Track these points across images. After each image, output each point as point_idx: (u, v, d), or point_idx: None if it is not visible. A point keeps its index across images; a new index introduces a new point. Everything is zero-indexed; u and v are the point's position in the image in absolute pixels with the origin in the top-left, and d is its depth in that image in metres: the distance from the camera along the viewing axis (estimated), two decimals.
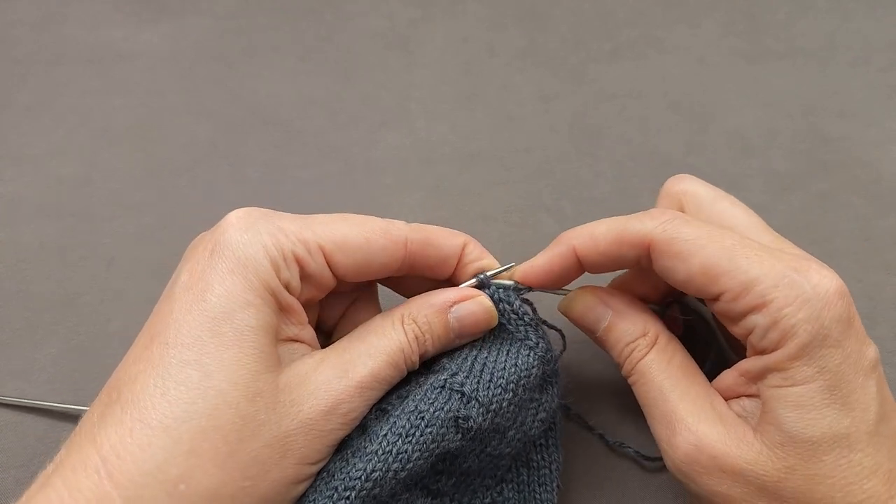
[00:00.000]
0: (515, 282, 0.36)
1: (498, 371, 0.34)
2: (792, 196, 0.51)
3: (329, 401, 0.31)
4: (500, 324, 0.35)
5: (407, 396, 0.33)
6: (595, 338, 0.38)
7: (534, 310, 0.36)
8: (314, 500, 0.31)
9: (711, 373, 0.36)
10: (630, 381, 0.36)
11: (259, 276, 0.31)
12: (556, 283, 0.37)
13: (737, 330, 0.33)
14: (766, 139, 0.54)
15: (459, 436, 0.32)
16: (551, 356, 0.36)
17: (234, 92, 0.57)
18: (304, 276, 0.33)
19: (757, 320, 0.31)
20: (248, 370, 0.29)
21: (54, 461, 0.29)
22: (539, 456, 0.37)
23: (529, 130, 0.55)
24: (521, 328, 0.35)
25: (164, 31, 0.61)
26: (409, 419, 0.32)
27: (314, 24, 0.61)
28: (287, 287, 0.32)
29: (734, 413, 0.33)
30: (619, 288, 0.39)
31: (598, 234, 0.35)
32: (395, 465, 0.31)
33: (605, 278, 0.40)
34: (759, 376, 0.32)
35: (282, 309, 0.32)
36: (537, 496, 0.37)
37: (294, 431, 0.30)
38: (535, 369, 0.34)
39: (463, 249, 0.36)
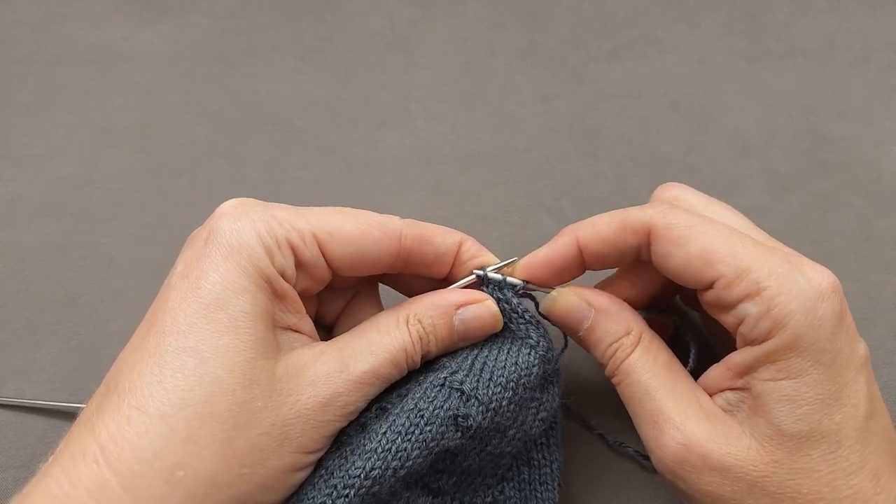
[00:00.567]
0: (506, 277, 0.36)
1: (498, 369, 0.34)
2: (792, 196, 0.51)
3: (327, 393, 0.31)
4: None
5: (407, 394, 0.33)
6: (577, 338, 0.37)
7: (536, 306, 0.36)
8: (313, 497, 0.31)
9: (694, 372, 0.36)
10: (614, 381, 0.36)
11: (253, 262, 0.31)
12: (557, 276, 0.36)
13: (728, 319, 0.33)
14: (766, 139, 0.54)
15: (459, 434, 0.32)
16: (552, 355, 0.36)
17: (234, 92, 0.57)
18: (299, 264, 0.33)
19: (749, 309, 0.31)
20: (244, 357, 0.29)
21: (55, 452, 0.29)
22: (540, 455, 0.37)
23: (529, 130, 0.55)
24: (523, 326, 0.35)
25: (164, 31, 0.61)
26: (408, 417, 0.31)
27: (314, 24, 0.61)
28: (282, 274, 0.32)
29: (720, 409, 0.33)
30: (602, 289, 0.39)
31: (601, 222, 0.35)
32: (395, 463, 0.31)
33: (598, 279, 0.40)
34: (749, 369, 0.32)
35: (277, 296, 0.32)
36: (538, 495, 0.37)
37: (292, 420, 0.30)
38: (535, 368, 0.34)
39: (459, 247, 0.36)
